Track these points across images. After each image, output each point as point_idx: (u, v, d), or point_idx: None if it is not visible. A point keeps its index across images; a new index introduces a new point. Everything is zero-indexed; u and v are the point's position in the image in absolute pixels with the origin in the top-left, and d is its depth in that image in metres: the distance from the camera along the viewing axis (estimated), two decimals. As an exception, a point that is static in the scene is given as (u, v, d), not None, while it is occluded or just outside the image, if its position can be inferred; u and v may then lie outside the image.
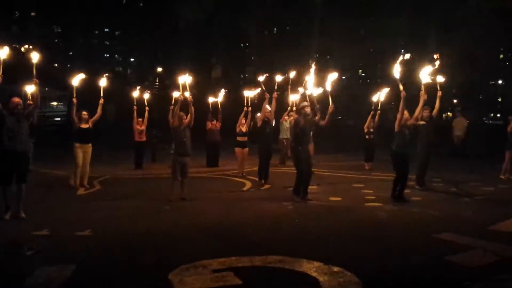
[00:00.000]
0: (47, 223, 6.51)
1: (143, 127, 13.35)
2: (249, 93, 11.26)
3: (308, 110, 8.36)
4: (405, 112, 8.37)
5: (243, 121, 11.60)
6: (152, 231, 6.26)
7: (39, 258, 5.03)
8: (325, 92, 9.00)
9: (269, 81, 10.44)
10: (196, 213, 7.49)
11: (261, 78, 10.19)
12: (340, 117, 12.94)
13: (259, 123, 10.61)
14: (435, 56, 8.58)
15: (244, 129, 11.66)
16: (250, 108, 11.22)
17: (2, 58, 6.79)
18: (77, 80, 9.40)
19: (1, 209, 6.80)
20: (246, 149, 11.83)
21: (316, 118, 8.51)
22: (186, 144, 8.43)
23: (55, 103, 40.19)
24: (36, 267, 4.66)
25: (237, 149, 11.80)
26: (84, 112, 9.89)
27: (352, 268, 4.48)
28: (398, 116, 8.32)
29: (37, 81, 7.16)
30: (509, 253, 5.08)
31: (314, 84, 8.98)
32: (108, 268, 4.70)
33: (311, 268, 4.56)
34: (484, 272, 4.57)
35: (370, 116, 12.76)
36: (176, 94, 9.37)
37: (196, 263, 4.68)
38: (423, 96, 8.53)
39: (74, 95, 9.49)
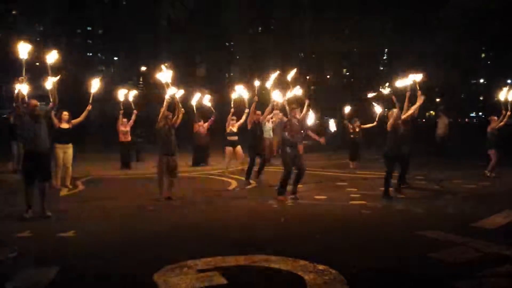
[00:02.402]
0: (30, 224, 6.44)
1: (128, 128, 13.23)
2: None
3: (297, 112, 8.46)
4: (396, 110, 8.56)
5: (233, 121, 11.61)
6: (136, 232, 6.22)
7: (21, 260, 4.96)
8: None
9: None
10: (181, 213, 7.45)
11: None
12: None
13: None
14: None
15: (234, 129, 11.61)
16: (246, 110, 10.78)
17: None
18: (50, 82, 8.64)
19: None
20: (238, 147, 11.76)
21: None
22: (172, 143, 8.40)
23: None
24: (19, 269, 4.60)
25: (228, 148, 11.77)
26: (64, 113, 9.75)
27: (337, 266, 4.51)
28: (394, 114, 8.49)
29: (24, 78, 7.03)
30: (491, 249, 5.16)
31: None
32: (92, 270, 4.65)
33: (297, 266, 4.57)
34: (466, 268, 4.63)
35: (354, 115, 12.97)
36: (167, 95, 8.70)
37: (181, 263, 4.66)
38: (420, 97, 8.92)
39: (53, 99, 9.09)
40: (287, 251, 5.04)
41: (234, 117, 11.69)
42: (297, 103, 8.84)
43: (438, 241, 5.55)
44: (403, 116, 8.63)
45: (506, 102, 11.21)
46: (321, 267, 4.54)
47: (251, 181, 10.50)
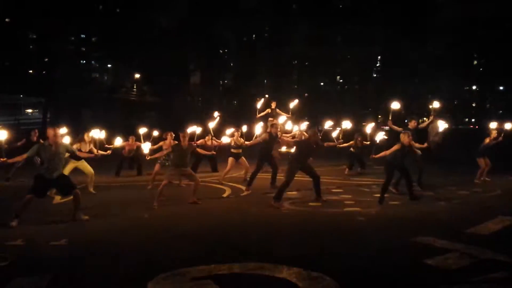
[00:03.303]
0: (22, 233, 6.38)
1: (134, 147, 13.06)
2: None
3: (317, 137, 8.94)
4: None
5: (237, 133, 11.64)
6: (130, 239, 6.19)
7: (14, 268, 4.91)
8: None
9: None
10: (175, 221, 7.43)
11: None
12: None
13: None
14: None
15: (239, 142, 11.54)
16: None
17: None
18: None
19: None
20: (242, 158, 11.69)
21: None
22: (186, 157, 8.91)
23: (30, 110, 39.49)
24: (10, 278, 4.55)
25: (230, 159, 11.70)
26: (88, 135, 10.14)
27: (332, 273, 4.50)
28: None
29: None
30: (485, 255, 5.16)
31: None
32: (85, 278, 4.62)
33: (291, 274, 4.56)
34: (461, 274, 4.63)
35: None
36: None
37: (175, 271, 4.64)
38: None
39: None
40: (281, 258, 5.02)
41: (239, 130, 11.73)
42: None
43: (433, 247, 5.55)
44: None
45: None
46: (315, 274, 4.52)
47: (244, 188, 10.49)
